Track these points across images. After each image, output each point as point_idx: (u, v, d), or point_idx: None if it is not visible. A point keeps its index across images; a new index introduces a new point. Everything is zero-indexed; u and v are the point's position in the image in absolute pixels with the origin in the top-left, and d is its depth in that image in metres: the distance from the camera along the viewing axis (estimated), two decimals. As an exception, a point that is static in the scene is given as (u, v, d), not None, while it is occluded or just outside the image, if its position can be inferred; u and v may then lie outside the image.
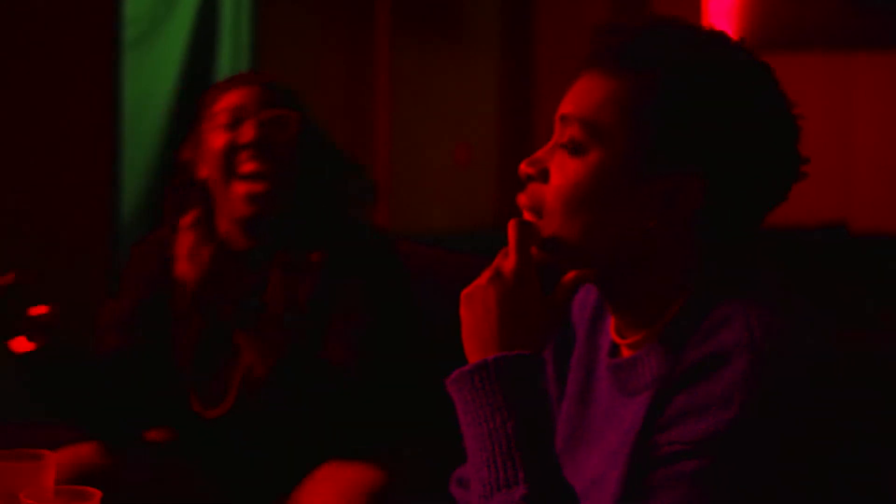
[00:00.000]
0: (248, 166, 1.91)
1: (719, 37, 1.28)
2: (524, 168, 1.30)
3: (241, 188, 1.91)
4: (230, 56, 4.71)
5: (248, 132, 1.91)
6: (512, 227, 1.28)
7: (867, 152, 5.26)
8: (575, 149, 1.27)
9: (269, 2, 4.85)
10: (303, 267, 1.93)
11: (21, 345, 1.80)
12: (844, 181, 5.41)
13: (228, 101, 1.95)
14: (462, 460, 1.51)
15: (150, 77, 4.44)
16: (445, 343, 2.00)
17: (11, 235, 3.72)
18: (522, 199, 1.31)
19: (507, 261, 1.27)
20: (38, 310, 1.79)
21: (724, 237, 1.28)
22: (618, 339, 1.34)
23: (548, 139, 1.32)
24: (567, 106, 1.29)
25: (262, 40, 4.79)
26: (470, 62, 5.86)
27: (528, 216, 1.30)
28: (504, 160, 5.95)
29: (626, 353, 1.33)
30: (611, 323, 1.37)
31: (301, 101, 2.01)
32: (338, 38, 5.31)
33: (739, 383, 1.15)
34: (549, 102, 5.85)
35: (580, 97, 1.29)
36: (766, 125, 1.25)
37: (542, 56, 5.98)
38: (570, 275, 1.29)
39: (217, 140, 1.93)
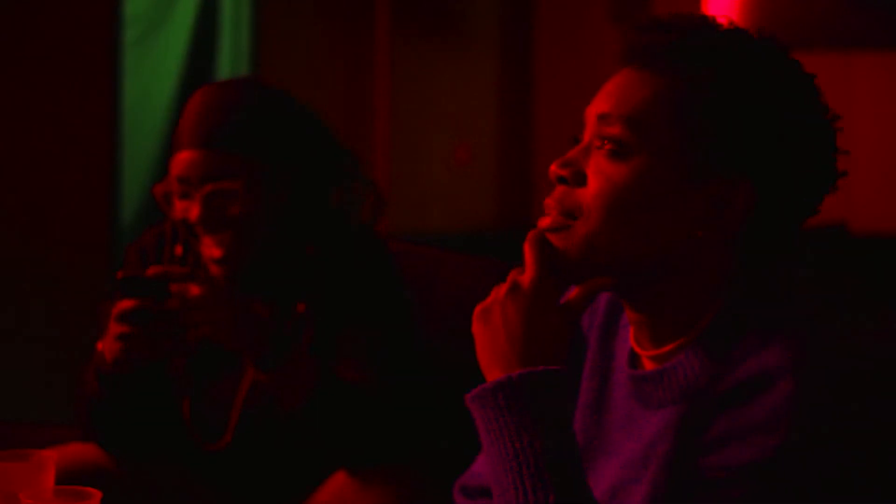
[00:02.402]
0: (203, 238, 1.87)
1: (769, 40, 1.24)
2: (556, 170, 1.23)
3: (203, 251, 1.88)
4: (230, 56, 4.70)
5: (194, 210, 1.85)
6: (529, 241, 1.22)
7: (867, 152, 5.25)
8: (618, 151, 1.20)
9: (269, 2, 4.84)
10: (295, 314, 1.90)
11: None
12: (844, 181, 5.39)
13: (176, 168, 1.87)
14: (465, 467, 1.49)
15: (150, 77, 4.44)
16: (445, 344, 2.00)
17: (11, 235, 3.72)
18: (550, 202, 1.24)
19: (525, 274, 1.21)
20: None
21: (764, 247, 1.23)
22: (638, 350, 1.29)
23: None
24: (606, 104, 1.22)
25: (262, 41, 4.78)
26: (470, 62, 5.85)
27: (556, 220, 1.23)
28: (504, 160, 5.94)
29: (648, 364, 1.28)
30: (629, 331, 1.31)
31: (265, 141, 1.88)
32: (338, 38, 5.30)
33: (785, 407, 1.11)
34: (549, 102, 5.84)
35: (623, 95, 1.21)
36: (815, 134, 1.22)
37: (542, 56, 5.96)
38: (586, 283, 1.23)
39: (177, 207, 1.89)
